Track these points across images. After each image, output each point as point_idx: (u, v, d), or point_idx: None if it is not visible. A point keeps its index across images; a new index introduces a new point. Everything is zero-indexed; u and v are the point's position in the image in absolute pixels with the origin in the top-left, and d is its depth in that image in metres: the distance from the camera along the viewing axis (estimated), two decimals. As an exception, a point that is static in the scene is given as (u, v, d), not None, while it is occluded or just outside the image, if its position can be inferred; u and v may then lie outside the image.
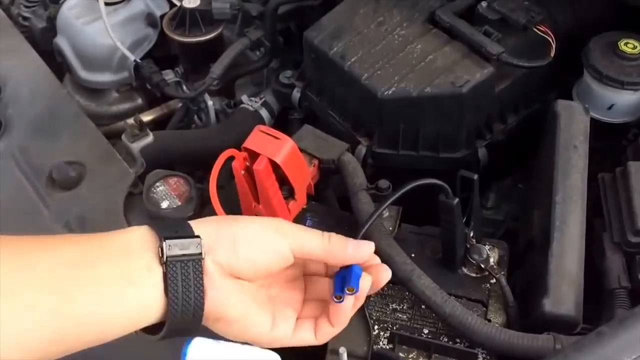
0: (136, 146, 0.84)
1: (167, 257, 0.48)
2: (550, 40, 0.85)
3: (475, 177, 0.70)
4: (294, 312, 0.58)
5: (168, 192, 0.80)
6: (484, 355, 0.69)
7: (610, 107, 0.87)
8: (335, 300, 0.57)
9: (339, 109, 0.91)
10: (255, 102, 0.99)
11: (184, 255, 0.48)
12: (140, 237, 0.50)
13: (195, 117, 1.04)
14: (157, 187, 0.80)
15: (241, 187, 0.74)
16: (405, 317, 0.72)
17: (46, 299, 0.44)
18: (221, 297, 0.51)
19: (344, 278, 0.57)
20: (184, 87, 1.05)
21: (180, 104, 1.05)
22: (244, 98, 1.01)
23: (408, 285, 0.69)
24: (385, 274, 0.58)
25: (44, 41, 1.16)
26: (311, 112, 0.98)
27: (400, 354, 0.70)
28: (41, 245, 0.47)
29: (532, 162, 0.89)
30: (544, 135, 0.84)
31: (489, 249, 0.76)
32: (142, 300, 0.48)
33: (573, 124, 0.78)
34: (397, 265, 0.68)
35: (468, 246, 0.74)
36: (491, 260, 0.75)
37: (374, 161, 0.88)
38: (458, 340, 0.70)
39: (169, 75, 1.04)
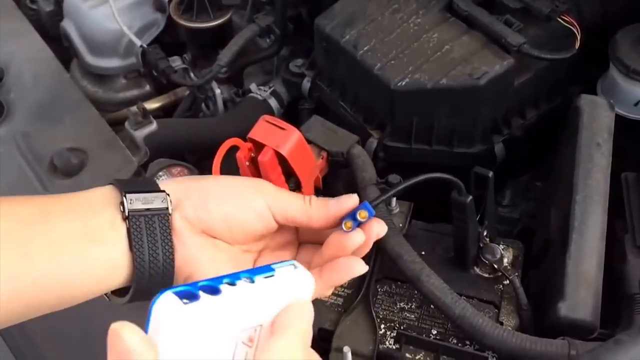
0: (139, 134, 0.82)
1: (129, 212, 0.45)
2: (575, 31, 0.81)
3: (490, 174, 0.67)
4: None
5: (171, 182, 0.78)
6: (494, 359, 0.67)
7: (636, 104, 0.83)
8: (345, 229, 0.50)
9: (350, 100, 0.88)
10: (264, 91, 0.97)
11: (147, 210, 0.46)
12: (102, 194, 0.47)
13: (203, 105, 1.02)
14: (160, 176, 0.78)
15: (246, 179, 0.72)
16: (413, 316, 0.71)
17: None
18: (191, 254, 0.48)
19: (355, 212, 0.51)
20: (192, 75, 1.03)
21: (188, 92, 1.03)
22: (253, 87, 0.98)
23: (416, 284, 0.67)
24: (381, 227, 0.52)
25: (52, 25, 1.14)
26: (322, 103, 0.95)
27: (407, 355, 0.68)
28: None
29: (552, 159, 0.86)
30: (565, 131, 0.81)
31: (503, 249, 0.74)
32: (106, 258, 0.45)
33: (597, 120, 0.75)
34: (406, 263, 0.66)
35: (481, 245, 0.72)
36: (505, 260, 0.73)
37: (385, 155, 0.85)
38: (468, 343, 0.68)
39: (176, 62, 1.02)
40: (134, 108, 0.85)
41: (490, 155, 0.85)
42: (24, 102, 0.88)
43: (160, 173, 0.78)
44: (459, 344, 0.67)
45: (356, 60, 0.83)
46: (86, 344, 0.68)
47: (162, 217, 0.46)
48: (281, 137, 0.69)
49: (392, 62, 0.81)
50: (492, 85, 0.79)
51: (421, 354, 0.68)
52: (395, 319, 0.70)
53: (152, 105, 1.04)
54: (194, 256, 0.48)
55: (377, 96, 0.84)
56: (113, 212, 0.46)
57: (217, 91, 0.99)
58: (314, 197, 0.51)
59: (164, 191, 0.47)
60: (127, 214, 0.45)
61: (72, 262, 0.44)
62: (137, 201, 0.46)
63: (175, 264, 0.47)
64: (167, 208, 0.47)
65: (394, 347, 0.68)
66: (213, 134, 0.92)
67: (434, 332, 0.69)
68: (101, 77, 1.10)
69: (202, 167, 0.97)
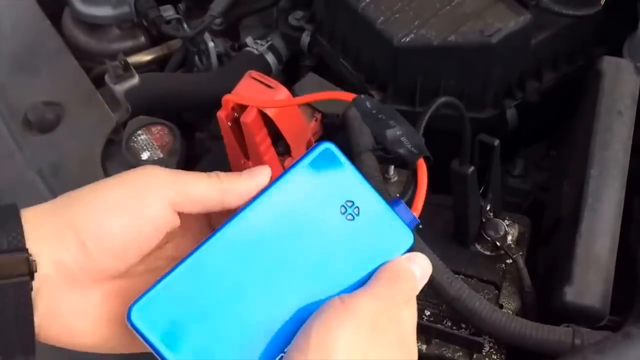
0: (120, 88, 0.77)
1: None
2: (601, -15, 0.74)
3: (496, 143, 0.62)
4: None
5: (150, 142, 0.73)
6: (490, 345, 0.63)
7: (666, 68, 0.76)
8: None
9: (351, 57, 0.82)
10: (261, 45, 0.90)
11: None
12: None
13: (197, 60, 0.95)
14: (139, 135, 0.73)
15: (229, 141, 0.67)
16: (405, 296, 0.66)
17: None
18: (70, 322, 0.39)
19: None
20: (185, 26, 0.96)
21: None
22: (249, 40, 0.91)
23: (409, 262, 0.62)
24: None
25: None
26: (322, 60, 0.89)
27: (397, 337, 0.63)
28: None
29: (569, 127, 0.80)
30: (585, 97, 0.74)
31: (507, 225, 0.69)
32: None
33: (619, 85, 0.69)
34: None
35: (483, 221, 0.67)
36: (509, 237, 0.68)
37: (385, 118, 0.79)
38: (463, 326, 0.63)
39: (168, 12, 0.95)
40: (115, 61, 0.79)
41: (501, 121, 0.79)
42: (1, 52, 0.83)
43: (139, 132, 0.73)
44: (454, 327, 0.63)
45: (357, 13, 0.76)
46: None
47: (19, 288, 0.36)
48: (268, 96, 0.64)
49: (396, 15, 0.75)
50: (506, 43, 0.72)
51: (412, 336, 0.64)
52: (386, 297, 0.65)
53: (143, 58, 0.98)
54: (74, 322, 0.39)
55: (379, 53, 0.77)
56: None
57: (211, 44, 0.92)
58: (219, 173, 0.43)
59: (26, 250, 0.36)
60: None
61: None
62: None
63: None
64: (30, 273, 0.37)
65: (383, 327, 0.64)
66: (203, 91, 0.86)
67: (427, 313, 0.64)
68: (94, 26, 1.04)
69: (200, 124, 0.93)
